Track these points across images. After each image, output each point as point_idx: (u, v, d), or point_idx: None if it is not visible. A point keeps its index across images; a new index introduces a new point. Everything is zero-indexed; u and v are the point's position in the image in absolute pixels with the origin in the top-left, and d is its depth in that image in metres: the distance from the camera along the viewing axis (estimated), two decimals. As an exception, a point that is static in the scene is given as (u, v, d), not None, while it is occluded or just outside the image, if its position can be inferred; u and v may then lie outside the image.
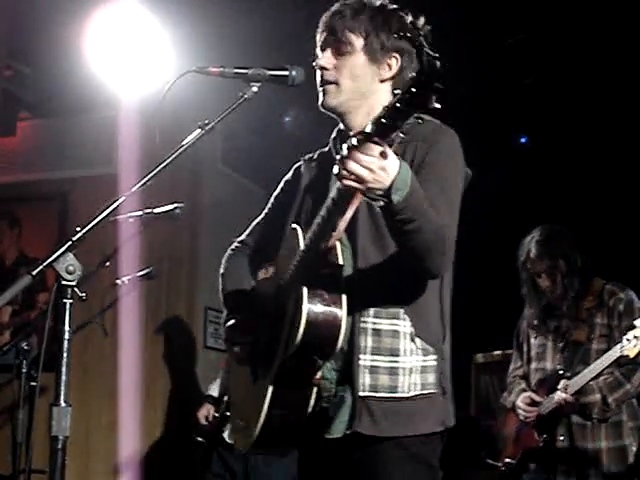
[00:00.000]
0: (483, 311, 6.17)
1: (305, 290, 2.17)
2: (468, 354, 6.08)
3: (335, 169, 1.96)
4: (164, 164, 2.13)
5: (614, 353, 3.76)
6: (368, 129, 1.85)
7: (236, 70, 2.28)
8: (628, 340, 3.72)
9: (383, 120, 1.81)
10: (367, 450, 2.28)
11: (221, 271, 2.72)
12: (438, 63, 1.69)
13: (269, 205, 2.71)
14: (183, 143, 2.17)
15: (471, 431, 5.43)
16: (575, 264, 4.04)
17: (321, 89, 2.41)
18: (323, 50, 2.43)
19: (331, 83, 2.39)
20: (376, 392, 2.25)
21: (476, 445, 4.89)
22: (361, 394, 2.25)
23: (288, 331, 2.23)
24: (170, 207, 3.73)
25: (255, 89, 2.26)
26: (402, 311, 2.29)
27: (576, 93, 5.65)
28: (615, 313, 3.97)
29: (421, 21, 2.37)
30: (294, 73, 2.34)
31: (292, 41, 4.58)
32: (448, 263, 2.26)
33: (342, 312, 2.18)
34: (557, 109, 5.85)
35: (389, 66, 2.40)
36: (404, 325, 2.29)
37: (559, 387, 3.90)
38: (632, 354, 3.72)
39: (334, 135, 2.54)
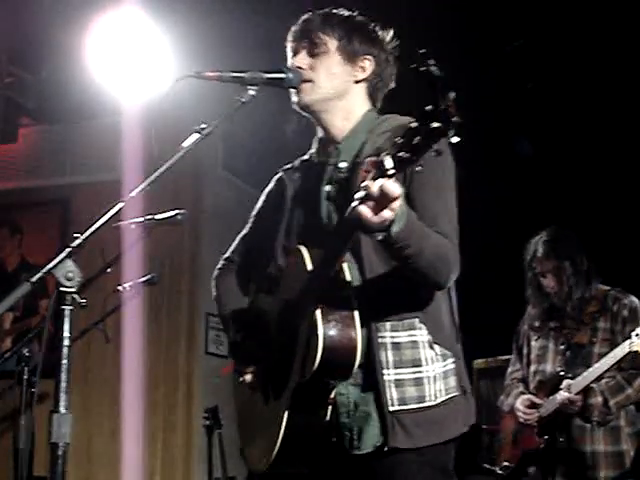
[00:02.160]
0: (484, 316, 6.15)
1: (319, 313, 2.15)
2: (469, 359, 6.06)
3: (354, 203, 1.92)
4: (163, 169, 2.13)
5: (622, 350, 3.77)
6: (388, 164, 1.81)
7: (233, 74, 2.27)
8: (637, 335, 3.72)
9: (402, 154, 1.78)
10: (395, 460, 2.27)
11: (214, 293, 2.72)
12: (453, 94, 1.68)
13: (252, 219, 2.70)
14: (181, 148, 2.17)
15: (472, 436, 5.42)
16: (581, 266, 4.06)
17: (295, 89, 2.40)
18: (295, 54, 2.43)
19: (307, 82, 2.39)
20: (405, 405, 2.26)
21: (475, 450, 4.88)
22: (391, 409, 2.25)
23: (302, 355, 2.20)
24: (172, 213, 3.71)
25: (253, 93, 2.25)
26: (417, 320, 2.30)
27: (578, 97, 5.65)
28: (619, 318, 3.98)
29: (389, 35, 2.42)
30: (290, 75, 2.34)
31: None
32: (454, 273, 2.27)
33: (357, 333, 2.16)
34: (559, 113, 5.85)
35: (362, 68, 2.42)
36: (421, 334, 2.30)
37: (562, 387, 3.90)
38: None
39: (316, 145, 2.53)
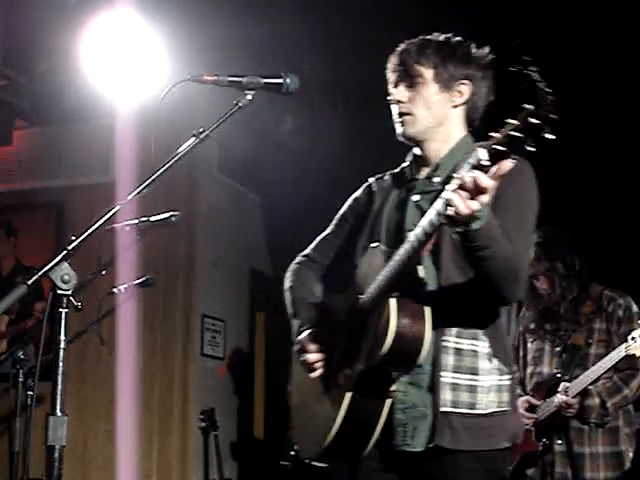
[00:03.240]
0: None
1: (394, 302, 2.25)
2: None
3: (447, 194, 2.03)
4: (159, 173, 2.13)
5: (619, 353, 3.78)
6: (483, 156, 1.93)
7: (230, 78, 2.29)
8: (633, 339, 3.73)
9: (497, 147, 1.90)
10: (444, 462, 2.35)
11: (288, 284, 2.76)
12: (551, 97, 1.83)
13: (335, 221, 2.77)
14: (178, 151, 2.18)
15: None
16: (573, 267, 4.06)
17: (399, 121, 2.52)
18: (396, 86, 2.53)
19: (407, 114, 2.50)
20: (457, 408, 2.34)
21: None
22: (442, 409, 2.33)
23: (372, 341, 2.30)
24: (166, 215, 3.72)
25: (249, 97, 2.28)
26: (481, 332, 2.39)
27: (574, 97, 5.64)
28: (614, 318, 3.98)
29: (485, 51, 2.49)
30: (288, 81, 2.35)
31: (287, 49, 4.59)
32: (521, 291, 2.35)
33: (427, 329, 2.26)
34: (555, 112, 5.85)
35: (460, 92, 2.51)
36: (483, 346, 2.39)
37: (559, 390, 3.90)
38: (638, 352, 3.74)
39: (410, 158, 2.62)
